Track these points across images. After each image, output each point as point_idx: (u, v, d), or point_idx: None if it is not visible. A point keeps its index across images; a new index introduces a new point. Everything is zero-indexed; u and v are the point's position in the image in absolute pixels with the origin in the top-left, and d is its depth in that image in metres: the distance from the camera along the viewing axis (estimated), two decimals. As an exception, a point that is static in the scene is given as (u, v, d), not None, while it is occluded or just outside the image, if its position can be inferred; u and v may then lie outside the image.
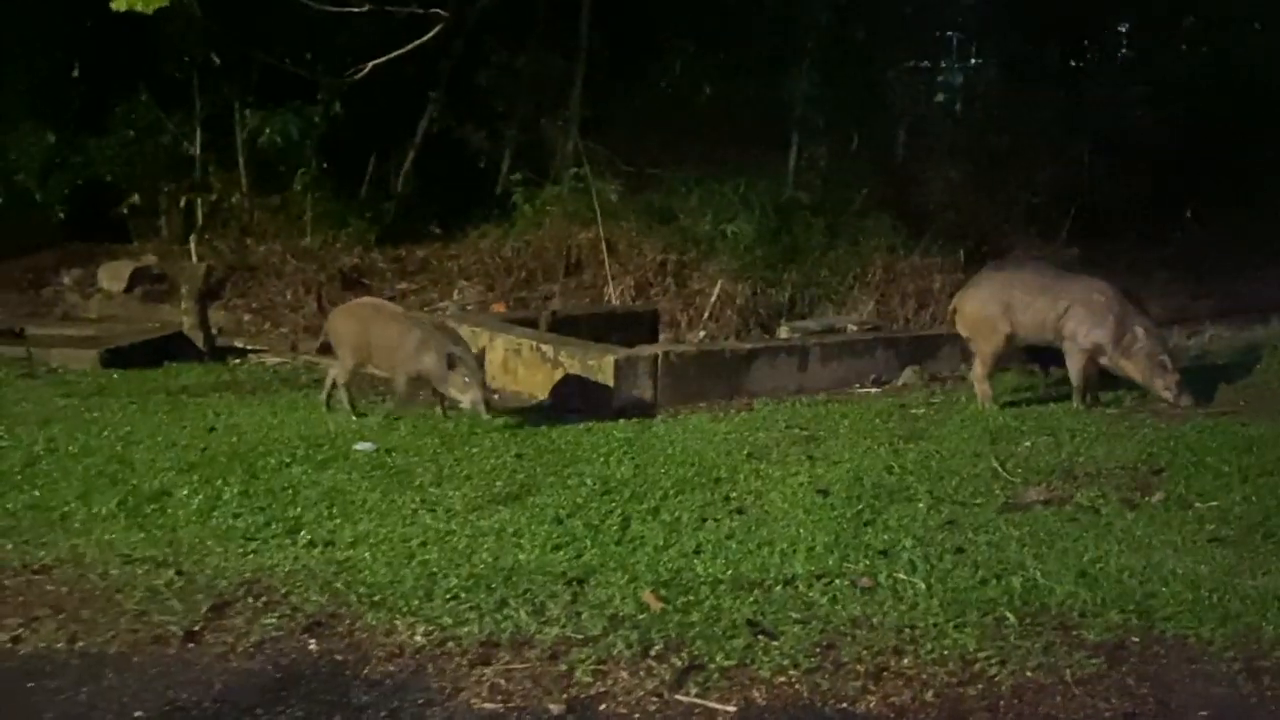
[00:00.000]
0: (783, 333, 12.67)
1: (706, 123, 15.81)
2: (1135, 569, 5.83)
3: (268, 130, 15.07)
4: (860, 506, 6.82)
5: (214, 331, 14.02)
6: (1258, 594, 5.51)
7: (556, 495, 7.08)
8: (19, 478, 7.36)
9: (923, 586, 5.64)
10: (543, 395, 10.17)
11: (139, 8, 7.12)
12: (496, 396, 9.80)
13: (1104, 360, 9.47)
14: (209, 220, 15.91)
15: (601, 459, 7.91)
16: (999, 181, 16.41)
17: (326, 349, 13.19)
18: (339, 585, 5.67)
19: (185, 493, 7.07)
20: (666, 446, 8.25)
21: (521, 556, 6.08)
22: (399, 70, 15.87)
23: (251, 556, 6.09)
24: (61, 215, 15.87)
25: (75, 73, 15.55)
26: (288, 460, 7.77)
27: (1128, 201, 16.91)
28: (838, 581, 5.69)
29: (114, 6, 7.85)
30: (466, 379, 8.70)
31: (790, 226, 14.54)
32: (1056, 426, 8.68)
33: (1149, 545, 6.18)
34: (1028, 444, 8.27)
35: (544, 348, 10.37)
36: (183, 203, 15.82)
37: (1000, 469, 7.69)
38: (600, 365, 9.80)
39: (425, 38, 9.52)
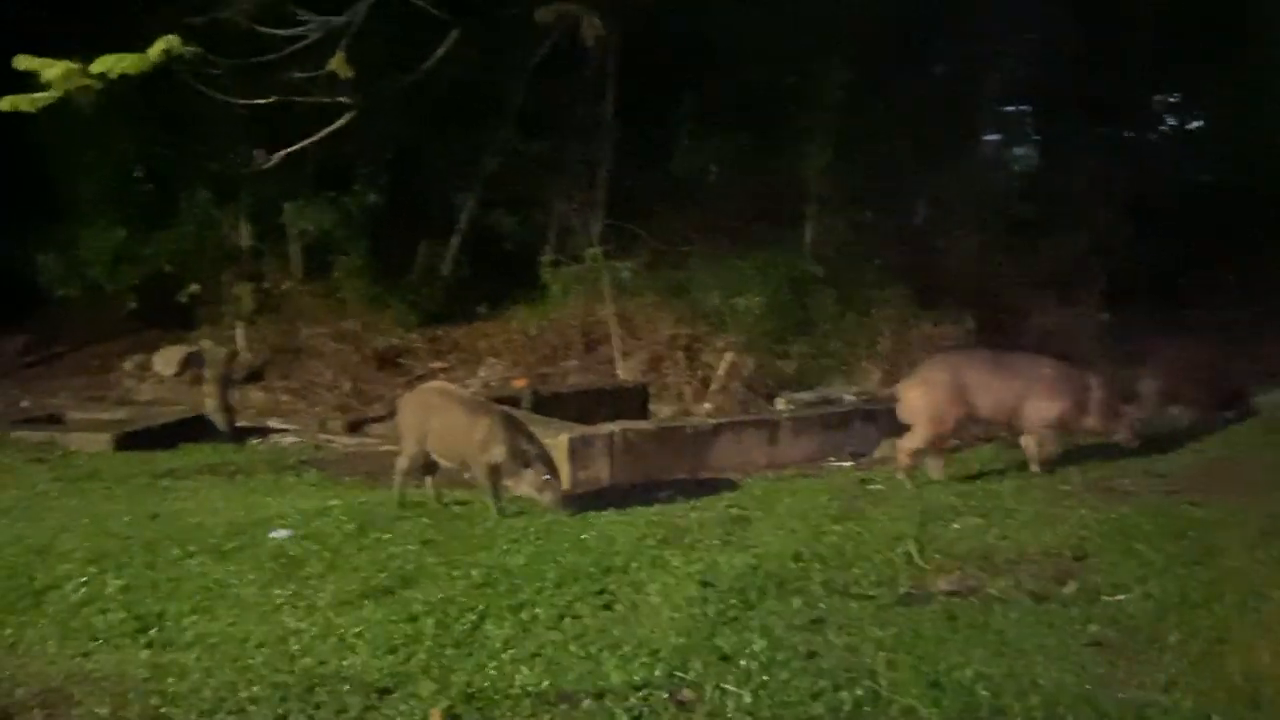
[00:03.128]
0: (779, 405, 11.78)
1: (726, 199, 15.12)
2: (994, 678, 4.87)
3: (303, 221, 14.69)
4: (734, 601, 5.92)
5: (251, 410, 13.72)
6: (1118, 711, 4.50)
7: (431, 588, 6.32)
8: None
9: (748, 700, 4.77)
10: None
11: (23, 108, 6.56)
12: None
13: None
14: (262, 306, 15.59)
15: (505, 545, 7.12)
16: (1022, 248, 15.25)
17: (354, 428, 12.83)
18: (139, 693, 4.98)
19: (72, 586, 6.48)
20: (581, 531, 7.42)
21: (349, 660, 5.35)
22: (434, 161, 15.61)
23: (80, 659, 5.46)
24: (131, 304, 15.72)
25: (138, 173, 15.35)
26: (194, 550, 7.13)
27: (1158, 266, 15.64)
28: (655, 695, 4.82)
29: (94, 70, 7.31)
30: (546, 477, 7.85)
31: (802, 299, 13.65)
32: (994, 507, 7.64)
33: (1021, 649, 5.19)
34: (957, 526, 7.27)
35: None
36: (238, 290, 15.51)
37: (916, 555, 6.71)
38: (555, 444, 9.00)
39: (333, 127, 8.69)
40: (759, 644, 5.33)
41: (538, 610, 5.91)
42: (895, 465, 8.89)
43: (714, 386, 12.74)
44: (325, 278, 15.57)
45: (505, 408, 8.40)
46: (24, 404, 14.00)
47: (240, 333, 14.96)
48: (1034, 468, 8.82)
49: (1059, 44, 17.26)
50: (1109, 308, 14.96)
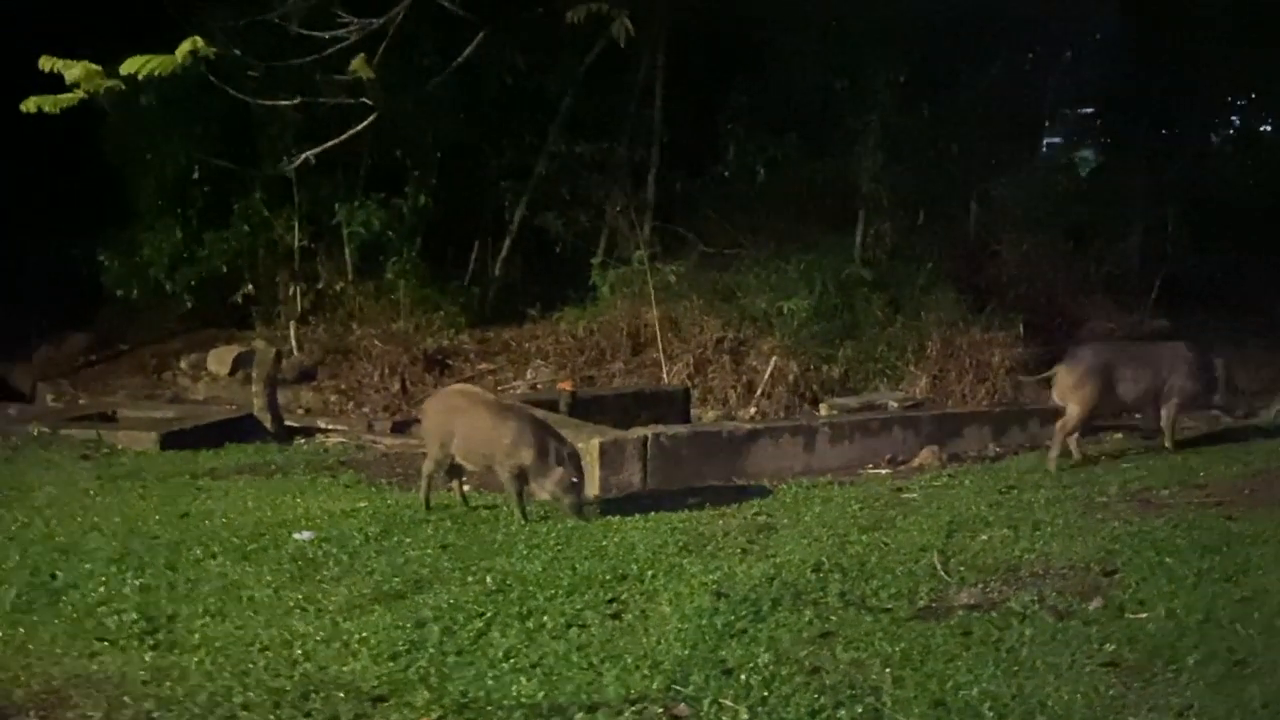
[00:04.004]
0: (823, 410, 11.58)
1: (775, 201, 14.86)
2: (1002, 697, 4.69)
3: (354, 222, 14.71)
4: (745, 613, 5.77)
5: (300, 410, 13.77)
6: (1126, 736, 4.29)
7: (442, 593, 6.24)
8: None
9: (744, 715, 4.63)
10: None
11: (46, 108, 6.56)
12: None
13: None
14: (316, 306, 15.65)
15: (524, 551, 7.01)
16: (1077, 252, 14.88)
17: (398, 429, 12.79)
18: (135, 695, 4.94)
19: (91, 585, 6.46)
20: (602, 537, 7.30)
21: (349, 666, 5.28)
22: (485, 164, 15.56)
23: (85, 660, 5.42)
24: (189, 304, 15.85)
25: (195, 174, 15.45)
26: (216, 551, 7.10)
27: (1218, 270, 15.19)
28: (650, 709, 4.69)
29: (123, 71, 7.32)
30: (574, 479, 7.67)
31: (851, 302, 13.42)
32: (1023, 518, 7.40)
33: (1033, 667, 4.99)
34: (985, 537, 7.04)
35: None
36: (292, 290, 15.59)
37: (939, 567, 6.51)
38: (586, 448, 8.87)
39: (356, 129, 8.62)
40: (764, 657, 5.18)
41: (545, 618, 5.80)
42: (1049, 452, 9.33)
43: (759, 391, 12.57)
44: (378, 279, 15.58)
45: (531, 409, 8.26)
46: (82, 401, 14.14)
47: (292, 333, 15.03)
48: (1167, 444, 9.53)
49: (1120, 44, 16.82)
50: (1168, 313, 14.58)
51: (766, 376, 12.54)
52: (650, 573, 6.51)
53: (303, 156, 8.55)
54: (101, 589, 6.39)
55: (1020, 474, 8.98)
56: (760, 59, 14.85)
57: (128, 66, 7.10)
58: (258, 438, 11.82)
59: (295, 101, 8.64)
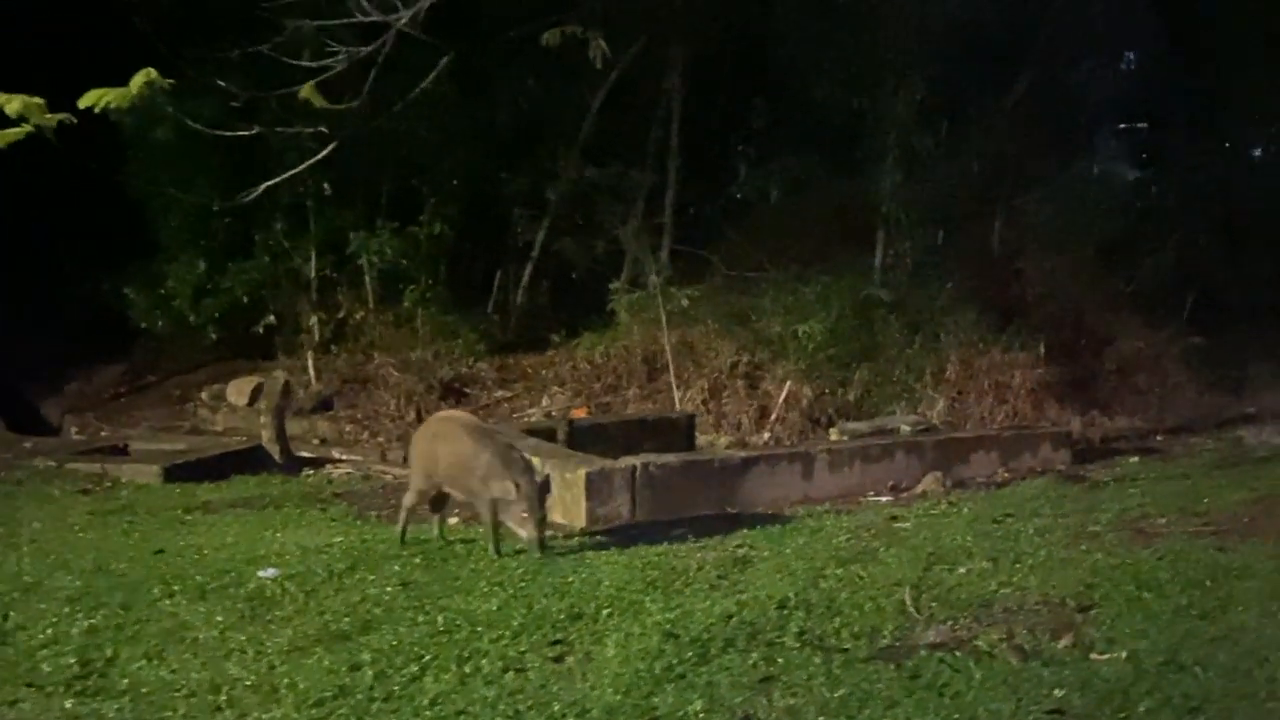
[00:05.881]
0: (833, 435, 11.23)
1: (793, 223, 14.54)
2: (936, 751, 4.32)
3: (369, 251, 14.60)
4: (690, 655, 5.45)
5: (316, 440, 13.65)
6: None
7: (388, 634, 5.98)
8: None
9: (660, 769, 4.29)
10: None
11: (111, 103, 6.46)
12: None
13: None
14: (337, 335, 15.55)
15: (486, 588, 6.74)
16: (1106, 268, 14.39)
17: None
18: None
19: (41, 626, 6.29)
20: (569, 573, 7.00)
21: (271, 713, 5.08)
22: (503, 191, 15.41)
23: (5, 707, 5.23)
24: (213, 335, 15.83)
25: (215, 206, 15.43)
26: (176, 589, 6.89)
27: (1255, 285, 14.62)
28: (563, 761, 4.39)
29: (81, 105, 7.21)
30: (524, 513, 7.31)
31: (868, 324, 13.04)
32: (1007, 550, 7.01)
33: (973, 716, 4.61)
34: (963, 570, 6.67)
35: (536, 460, 9.17)
36: (312, 320, 15.51)
37: (910, 603, 6.15)
38: (574, 479, 8.61)
39: (318, 157, 8.45)
40: (696, 704, 4.88)
41: (484, 662, 5.53)
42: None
43: (773, 416, 12.24)
44: (398, 307, 15.47)
45: (508, 438, 7.99)
46: (104, 433, 14.14)
47: (310, 362, 14.93)
48: None
49: (1148, 59, 16.33)
50: (1201, 330, 14.06)
51: (780, 401, 12.20)
52: (607, 611, 6.21)
53: (261, 188, 8.32)
54: (50, 630, 6.21)
55: (1020, 501, 8.58)
56: (779, 80, 14.56)
57: (86, 100, 7.00)
58: (265, 469, 11.69)
59: (254, 131, 8.34)
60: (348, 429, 13.94)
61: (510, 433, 9.91)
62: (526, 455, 7.87)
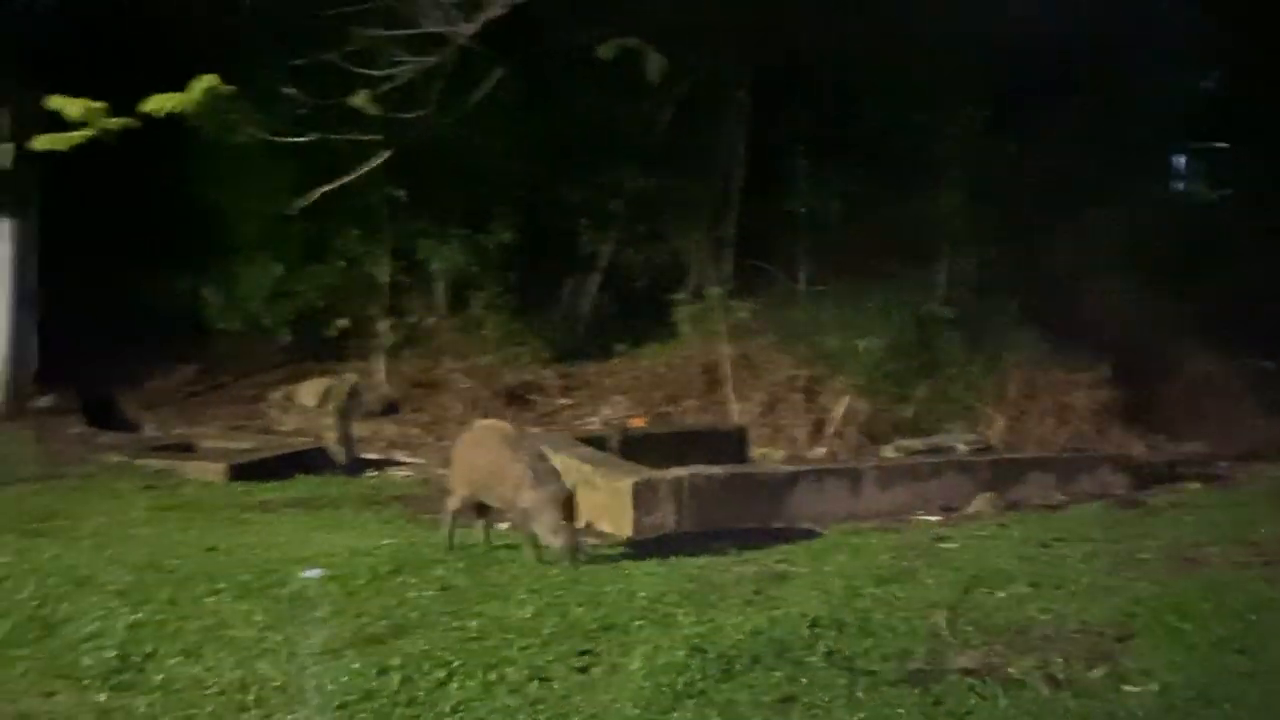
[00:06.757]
0: (888, 452, 11.05)
1: (856, 237, 14.32)
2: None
3: (438, 258, 14.70)
4: (714, 671, 5.34)
5: (382, 443, 13.73)
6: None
7: (420, 639, 5.94)
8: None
9: (670, 787, 4.20)
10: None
11: (57, 147, 6.60)
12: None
13: None
14: (407, 340, 15.64)
15: (522, 595, 6.69)
16: (1175, 291, 13.99)
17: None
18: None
19: (87, 620, 6.34)
20: (606, 583, 6.93)
21: (295, 715, 5.04)
22: (570, 200, 15.41)
23: (41, 699, 5.31)
24: (287, 337, 16.01)
25: (292, 211, 15.60)
26: (221, 587, 6.92)
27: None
28: (575, 774, 4.32)
29: (144, 109, 7.35)
30: (562, 522, 7.27)
31: (928, 341, 12.82)
32: (1049, 575, 6.80)
33: (994, 748, 4.47)
34: (1003, 594, 6.49)
35: (585, 469, 9.14)
36: (382, 325, 15.62)
37: (944, 626, 5.99)
38: (619, 488, 8.54)
39: (371, 164, 8.48)
40: (713, 723, 4.77)
41: (510, 670, 5.46)
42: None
43: (829, 430, 12.08)
44: (466, 314, 15.54)
45: (542, 449, 7.93)
46: (176, 431, 14.33)
47: (380, 366, 15.04)
48: None
49: (1231, 78, 15.91)
50: (1272, 356, 13.64)
51: (837, 416, 12.03)
52: (638, 622, 6.13)
53: (317, 193, 8.42)
54: (96, 623, 6.26)
55: (1071, 526, 8.34)
56: (843, 95, 14.39)
57: (150, 105, 7.13)
58: (328, 470, 11.77)
59: (310, 138, 8.43)
60: (413, 432, 13.99)
61: (559, 441, 9.89)
62: (555, 466, 7.80)
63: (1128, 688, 5.03)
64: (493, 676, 5.41)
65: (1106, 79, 14.92)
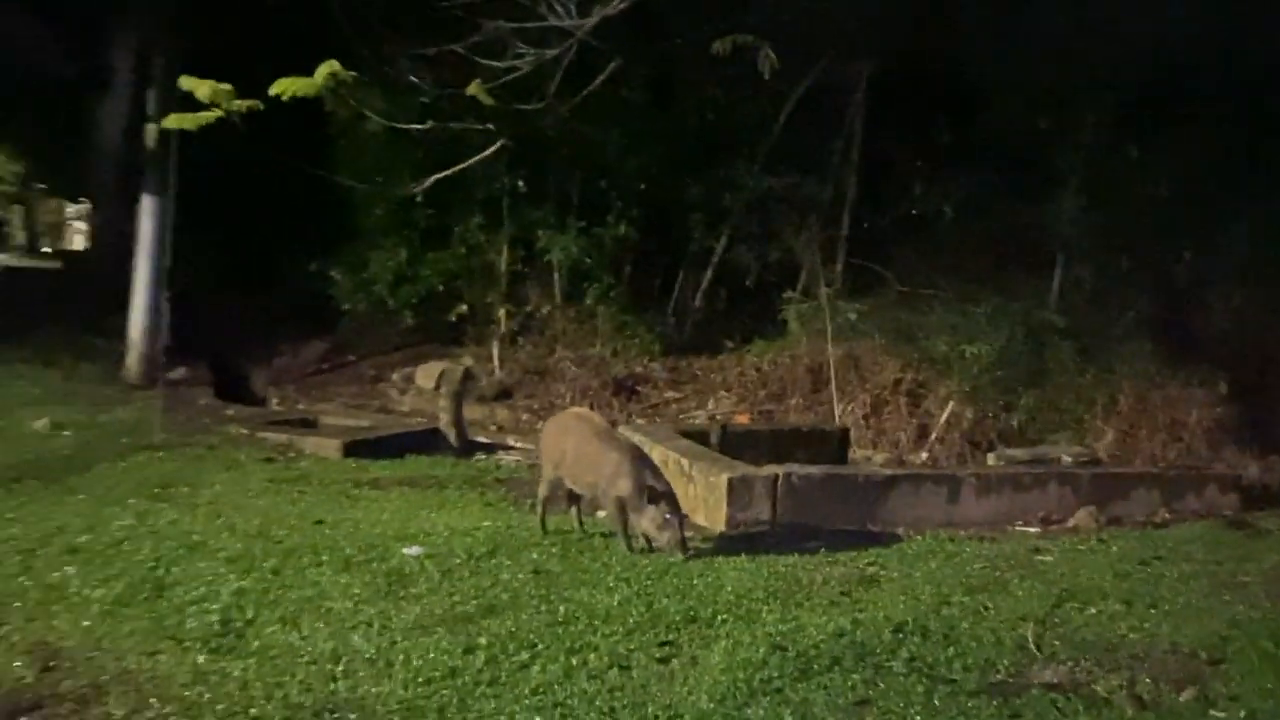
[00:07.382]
0: (991, 460, 10.82)
1: (971, 242, 14.05)
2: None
3: (555, 248, 14.81)
4: (792, 670, 5.30)
5: (494, 427, 13.89)
6: None
7: (508, 620, 6.01)
8: (109, 552, 7.11)
9: (737, 783, 4.18)
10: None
11: (186, 126, 6.77)
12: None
13: None
14: (524, 327, 15.81)
15: (612, 583, 6.71)
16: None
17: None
18: (164, 698, 4.94)
19: (196, 583, 6.55)
20: (695, 576, 6.91)
21: (380, 688, 5.15)
22: (686, 197, 15.38)
23: (144, 657, 5.45)
24: (409, 320, 16.30)
25: (418, 198, 15.86)
26: (323, 559, 7.09)
27: None
28: (641, 764, 4.32)
29: (271, 93, 7.51)
30: (667, 515, 7.31)
31: (1039, 349, 12.50)
32: (1144, 593, 6.59)
33: (1070, 767, 4.35)
34: (1094, 610, 6.31)
35: (683, 462, 9.12)
36: (500, 311, 15.81)
37: (1032, 640, 5.85)
38: (715, 483, 8.51)
39: (485, 154, 8.53)
40: (787, 721, 4.73)
41: (592, 656, 5.50)
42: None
43: (932, 435, 11.88)
44: (581, 304, 15.64)
45: (635, 442, 7.93)
46: (300, 406, 14.70)
47: (496, 352, 15.22)
48: None
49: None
50: None
51: (941, 421, 11.82)
52: (722, 617, 6.11)
53: (430, 180, 8.52)
54: (203, 588, 6.45)
55: (1173, 544, 8.04)
56: (961, 97, 14.09)
57: (276, 88, 7.29)
58: (440, 451, 11.93)
59: (428, 126, 8.54)
60: (524, 418, 14.13)
61: (660, 433, 9.89)
62: (652, 459, 7.81)
63: (1215, 713, 4.86)
64: (575, 661, 5.44)
65: (1238, 88, 14.33)
